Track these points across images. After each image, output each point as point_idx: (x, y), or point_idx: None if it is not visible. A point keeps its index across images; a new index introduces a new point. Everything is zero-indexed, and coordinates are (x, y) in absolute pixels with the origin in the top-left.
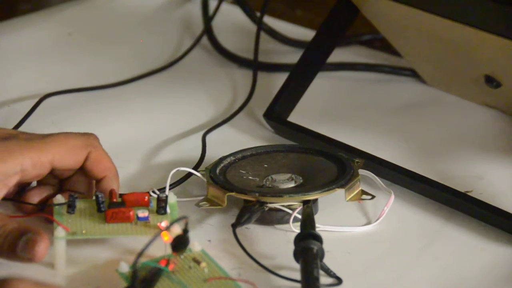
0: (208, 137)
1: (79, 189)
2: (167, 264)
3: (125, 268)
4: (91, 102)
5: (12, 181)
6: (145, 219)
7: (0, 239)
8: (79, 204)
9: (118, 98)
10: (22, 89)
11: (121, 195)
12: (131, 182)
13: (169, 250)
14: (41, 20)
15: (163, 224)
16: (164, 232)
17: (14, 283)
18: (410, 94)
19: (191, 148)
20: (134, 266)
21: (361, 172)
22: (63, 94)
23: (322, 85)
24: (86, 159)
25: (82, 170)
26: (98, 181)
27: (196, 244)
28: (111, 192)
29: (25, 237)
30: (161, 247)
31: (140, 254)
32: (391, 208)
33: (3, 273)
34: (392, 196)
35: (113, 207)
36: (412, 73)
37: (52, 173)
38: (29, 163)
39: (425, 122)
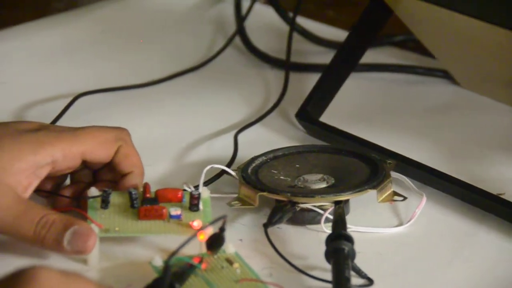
0: (240, 137)
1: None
2: (200, 261)
3: (158, 261)
4: (124, 101)
5: (44, 172)
6: (178, 217)
7: (43, 230)
8: (113, 199)
9: (151, 98)
10: (55, 88)
11: (154, 191)
12: (163, 180)
13: (203, 249)
14: (74, 19)
15: (195, 223)
16: (200, 232)
17: (40, 272)
18: (442, 95)
19: (223, 147)
20: (167, 260)
21: (393, 173)
22: (96, 94)
23: (354, 86)
24: (116, 153)
25: (110, 164)
26: (123, 176)
27: (230, 246)
28: (145, 187)
29: (72, 229)
30: (195, 246)
31: (176, 251)
32: (422, 210)
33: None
34: (424, 198)
35: (146, 203)
36: (445, 75)
37: (85, 165)
38: (60, 155)
39: (457, 124)
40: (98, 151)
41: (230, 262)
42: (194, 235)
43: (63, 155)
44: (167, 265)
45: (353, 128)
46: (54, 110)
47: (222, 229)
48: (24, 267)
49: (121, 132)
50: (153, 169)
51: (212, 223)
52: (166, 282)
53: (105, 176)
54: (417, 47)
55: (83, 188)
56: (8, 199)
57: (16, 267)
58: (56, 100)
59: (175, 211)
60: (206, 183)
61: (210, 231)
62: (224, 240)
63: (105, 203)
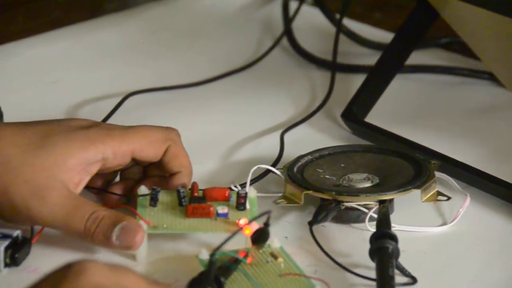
0: (286, 136)
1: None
2: (246, 256)
3: (205, 255)
4: (173, 100)
5: (94, 169)
6: (225, 215)
7: (93, 225)
8: (162, 197)
9: (200, 97)
10: (107, 87)
11: (202, 190)
12: (210, 178)
13: (249, 244)
14: (126, 19)
15: (242, 222)
16: (246, 226)
17: (88, 265)
18: (488, 97)
19: (269, 146)
20: (212, 254)
21: (437, 173)
22: (147, 93)
23: (399, 87)
24: (165, 152)
25: (159, 163)
26: (171, 175)
27: (276, 240)
28: (193, 186)
29: (121, 225)
30: (241, 242)
31: (222, 244)
32: (466, 210)
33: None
34: (468, 198)
35: (194, 201)
36: (490, 77)
37: (135, 161)
38: (110, 152)
39: (502, 125)
40: (148, 150)
41: (274, 256)
42: (239, 230)
43: (113, 152)
44: (212, 258)
45: (398, 129)
46: (105, 108)
47: (266, 224)
48: (73, 261)
49: (170, 132)
50: (201, 167)
51: (257, 218)
52: (211, 275)
53: (154, 171)
54: (463, 49)
55: (133, 185)
56: (61, 195)
57: (66, 261)
58: (108, 99)
59: (222, 209)
60: (252, 182)
61: (256, 226)
62: (269, 234)
63: (154, 201)
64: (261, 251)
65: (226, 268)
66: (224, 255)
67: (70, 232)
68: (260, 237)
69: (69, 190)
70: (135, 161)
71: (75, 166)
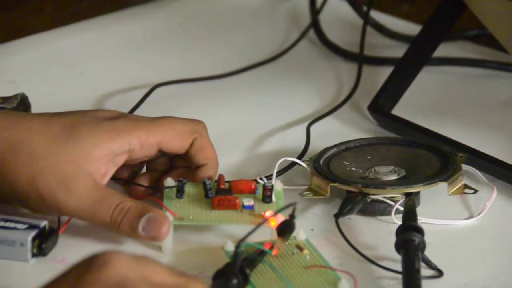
0: (312, 128)
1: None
2: (271, 247)
3: (230, 246)
4: (200, 92)
5: (121, 160)
6: (251, 207)
7: (119, 216)
8: (188, 189)
9: (226, 89)
10: (134, 79)
11: (228, 182)
12: (236, 170)
13: (275, 236)
14: (153, 10)
15: (267, 214)
16: (272, 218)
17: (113, 256)
18: None
19: (295, 138)
20: (237, 245)
21: (464, 166)
22: (174, 84)
23: (427, 79)
24: (191, 145)
25: (185, 155)
26: (197, 167)
27: (301, 232)
28: (219, 178)
29: (147, 216)
30: (266, 234)
31: (247, 235)
32: (493, 203)
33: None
34: (495, 191)
35: (220, 193)
36: None
37: (161, 153)
38: (137, 143)
39: None
40: (174, 141)
41: (300, 248)
42: (265, 221)
43: (139, 143)
44: (237, 250)
45: (424, 121)
46: (132, 100)
47: (292, 216)
48: (97, 252)
49: (197, 124)
50: (227, 158)
51: (283, 210)
52: (237, 267)
53: (181, 162)
54: (491, 42)
55: (159, 177)
56: (87, 185)
57: (93, 252)
58: (134, 90)
59: (248, 201)
60: (278, 174)
61: (281, 218)
62: (295, 226)
63: (180, 192)
64: (286, 243)
65: (252, 260)
66: (249, 247)
67: (96, 222)
68: (285, 229)
69: (95, 181)
70: (161, 153)
71: (101, 157)
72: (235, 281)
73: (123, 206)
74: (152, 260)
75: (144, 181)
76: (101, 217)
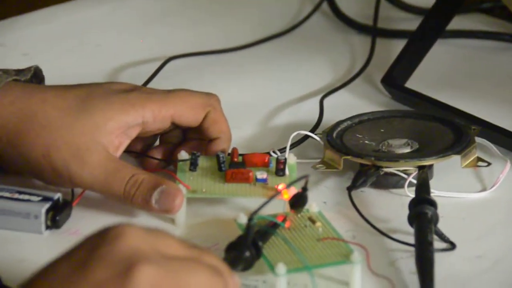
0: (325, 101)
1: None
2: (284, 220)
3: (243, 219)
4: (213, 65)
5: (134, 133)
6: (264, 180)
7: (132, 189)
8: (201, 163)
9: (239, 62)
10: (147, 51)
11: (241, 155)
12: (249, 143)
13: (287, 208)
14: None
15: (281, 187)
16: (284, 191)
17: (125, 229)
18: None
19: (308, 111)
20: (250, 217)
21: (477, 139)
22: (187, 57)
23: (440, 52)
24: (204, 118)
25: (198, 128)
26: (211, 141)
27: (314, 205)
28: (233, 152)
29: (160, 188)
30: (279, 207)
31: (260, 208)
32: (506, 176)
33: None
34: (508, 164)
35: (233, 167)
36: None
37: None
38: (150, 116)
39: None
40: (187, 114)
41: (313, 221)
42: (278, 194)
43: (153, 116)
44: (250, 222)
45: (438, 94)
46: (145, 73)
47: (304, 189)
48: (110, 225)
49: (211, 97)
50: (240, 132)
51: (295, 182)
52: (249, 239)
53: (194, 135)
54: (505, 14)
55: (172, 149)
56: (101, 157)
57: (106, 224)
58: (148, 63)
59: (261, 174)
60: (291, 147)
61: (294, 191)
62: (307, 199)
63: (193, 165)
64: (299, 215)
65: (264, 232)
66: (262, 219)
67: (110, 195)
68: (298, 201)
69: (109, 153)
70: (174, 126)
71: (115, 129)
72: (247, 253)
73: (137, 179)
74: (165, 233)
75: (157, 154)
76: (115, 189)
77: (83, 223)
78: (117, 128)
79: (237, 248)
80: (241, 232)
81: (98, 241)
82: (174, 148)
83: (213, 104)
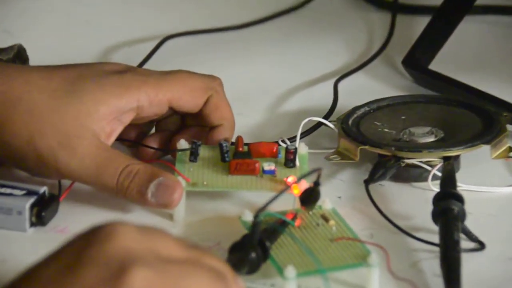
0: (340, 85)
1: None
2: (294, 218)
3: (249, 216)
4: (214, 44)
5: (128, 119)
6: (271, 172)
7: (126, 180)
8: (202, 152)
9: (244, 41)
10: (142, 30)
11: (247, 144)
12: (256, 131)
13: (297, 205)
14: None
15: (290, 179)
16: (294, 185)
17: (117, 227)
18: None
19: (321, 96)
20: (256, 215)
21: (509, 127)
22: (186, 36)
23: (468, 30)
24: (205, 103)
25: (198, 114)
26: (212, 128)
27: (327, 201)
28: (238, 140)
29: (157, 180)
30: (289, 202)
31: (267, 204)
32: None
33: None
34: None
35: (238, 157)
36: None
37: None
38: (146, 100)
39: None
40: (187, 99)
41: (326, 219)
42: (287, 188)
43: (149, 100)
44: (256, 220)
45: (465, 77)
46: (141, 53)
47: (317, 183)
48: (101, 223)
49: (213, 80)
50: (245, 119)
51: (307, 175)
52: (255, 239)
53: (194, 122)
54: None
55: (169, 137)
56: (91, 146)
57: (96, 222)
58: (143, 42)
59: (268, 166)
60: (302, 135)
61: (305, 185)
62: (320, 194)
63: (194, 156)
64: (311, 212)
65: (272, 231)
66: (270, 216)
67: (101, 187)
68: (310, 197)
69: (100, 141)
70: (172, 111)
71: (106, 115)
72: (253, 254)
73: (131, 169)
74: (161, 232)
75: (153, 143)
76: (106, 181)
77: (71, 220)
78: (109, 114)
79: (241, 249)
80: (246, 230)
81: (88, 240)
82: (172, 136)
83: (215, 88)
